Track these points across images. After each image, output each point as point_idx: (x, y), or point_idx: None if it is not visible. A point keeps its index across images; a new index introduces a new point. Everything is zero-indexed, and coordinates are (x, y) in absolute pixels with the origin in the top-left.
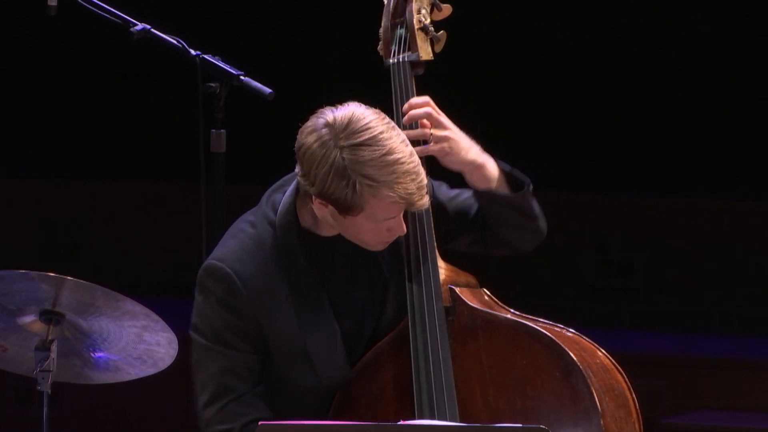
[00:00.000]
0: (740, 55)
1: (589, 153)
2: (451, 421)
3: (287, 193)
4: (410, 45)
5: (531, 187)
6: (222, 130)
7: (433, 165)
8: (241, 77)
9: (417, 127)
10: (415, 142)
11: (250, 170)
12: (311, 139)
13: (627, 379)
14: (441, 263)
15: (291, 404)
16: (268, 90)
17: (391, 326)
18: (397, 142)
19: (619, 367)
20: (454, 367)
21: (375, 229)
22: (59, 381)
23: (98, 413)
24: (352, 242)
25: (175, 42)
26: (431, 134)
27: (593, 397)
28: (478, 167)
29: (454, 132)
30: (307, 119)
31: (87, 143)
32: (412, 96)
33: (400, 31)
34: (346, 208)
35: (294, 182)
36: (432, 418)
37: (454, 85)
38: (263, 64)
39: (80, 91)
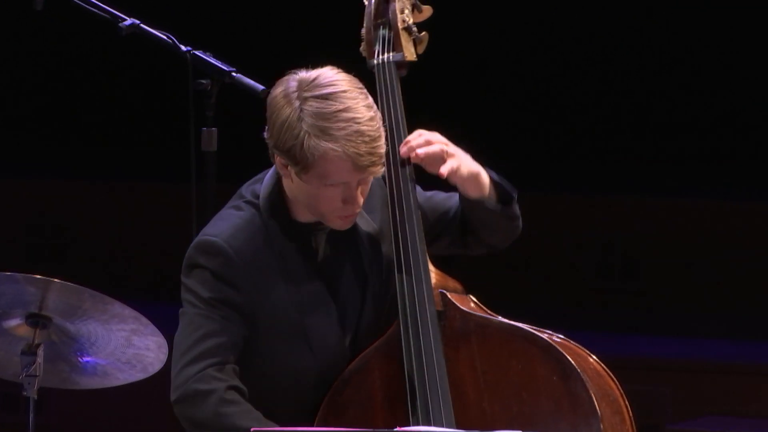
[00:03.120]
0: (741, 55)
1: (591, 153)
2: (447, 427)
3: (268, 176)
4: (394, 45)
5: (516, 196)
6: (213, 128)
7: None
8: (233, 74)
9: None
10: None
11: (242, 169)
12: (278, 90)
13: (619, 386)
14: (431, 267)
15: (285, 390)
16: (260, 87)
17: (371, 325)
18: (360, 104)
19: (610, 373)
20: (447, 373)
21: (329, 196)
22: (46, 386)
23: (86, 419)
24: (331, 230)
25: (165, 38)
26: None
27: (593, 401)
28: (476, 177)
29: (458, 157)
30: None
31: (75, 142)
32: (399, 97)
33: (383, 32)
34: (296, 162)
35: (273, 167)
36: (427, 424)
37: (456, 84)
38: (255, 61)
39: (67, 89)
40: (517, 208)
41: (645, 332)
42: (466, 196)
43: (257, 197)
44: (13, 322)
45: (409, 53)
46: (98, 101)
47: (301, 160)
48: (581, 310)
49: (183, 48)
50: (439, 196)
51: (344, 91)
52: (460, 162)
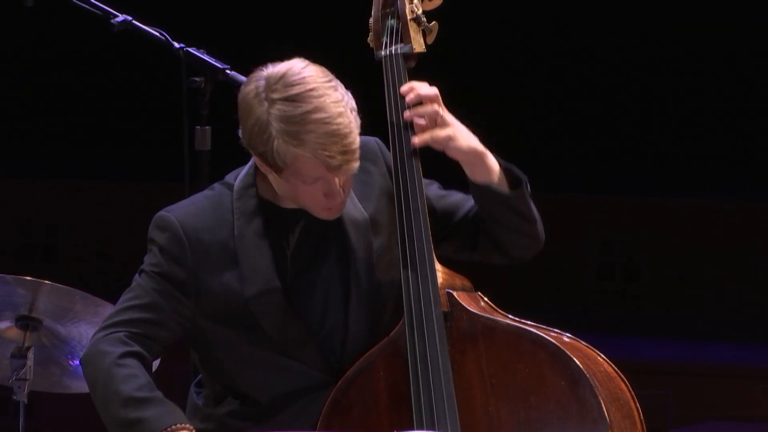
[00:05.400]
0: (741, 55)
1: (592, 152)
2: (452, 431)
3: (248, 164)
4: (403, 36)
5: (528, 185)
6: (207, 127)
7: (432, 162)
8: (227, 71)
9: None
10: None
11: (236, 168)
12: (248, 88)
13: (630, 388)
14: (437, 266)
15: (253, 373)
16: None
17: (361, 302)
18: (328, 101)
19: (621, 375)
20: (453, 376)
21: (310, 192)
22: (36, 390)
23: (77, 424)
24: (313, 219)
25: (157, 34)
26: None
27: (601, 407)
28: (480, 156)
29: (455, 128)
30: None
31: (66, 141)
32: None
33: (391, 22)
34: (270, 164)
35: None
36: (432, 429)
37: (456, 82)
38: (250, 58)
39: (58, 87)
40: (532, 208)
41: (646, 335)
42: (474, 180)
43: (236, 179)
44: (3, 325)
45: (418, 45)
46: (90, 99)
47: (273, 164)
48: (581, 312)
49: (176, 45)
50: (454, 197)
51: (312, 90)
52: (457, 132)
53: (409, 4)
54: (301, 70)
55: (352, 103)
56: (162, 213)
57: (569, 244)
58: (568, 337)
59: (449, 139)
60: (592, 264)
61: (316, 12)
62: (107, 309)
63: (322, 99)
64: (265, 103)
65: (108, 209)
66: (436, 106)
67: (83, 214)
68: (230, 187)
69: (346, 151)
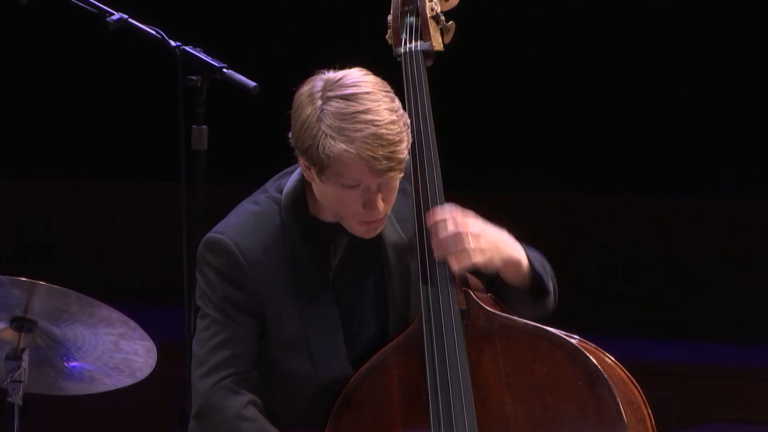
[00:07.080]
0: (741, 54)
1: (592, 152)
2: (469, 430)
3: (295, 173)
4: (422, 34)
5: (552, 299)
6: (203, 126)
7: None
8: (224, 70)
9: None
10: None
11: (233, 168)
12: (303, 89)
13: (642, 393)
14: None
15: (285, 395)
16: (252, 83)
17: (398, 327)
18: (382, 107)
19: (633, 380)
20: (469, 374)
21: (349, 199)
22: (31, 392)
23: (73, 426)
24: (353, 236)
25: (154, 32)
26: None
27: (619, 408)
28: (512, 266)
29: (485, 253)
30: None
31: (61, 140)
32: (425, 87)
33: (410, 19)
34: (314, 163)
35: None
36: (449, 426)
37: (457, 83)
38: (247, 56)
39: (54, 86)
40: (551, 298)
41: (646, 336)
42: (502, 275)
43: (281, 192)
44: None
45: (437, 42)
46: (85, 98)
47: (318, 161)
48: (581, 313)
49: (172, 43)
50: None
51: (367, 93)
52: (485, 257)
53: (429, 2)
54: (361, 75)
55: (407, 119)
56: (213, 235)
57: (569, 244)
58: (584, 341)
59: (477, 267)
60: (592, 264)
61: (315, 10)
62: (103, 310)
63: (377, 103)
64: (319, 101)
65: (104, 209)
66: (455, 229)
67: (79, 214)
68: (277, 201)
69: (392, 158)
